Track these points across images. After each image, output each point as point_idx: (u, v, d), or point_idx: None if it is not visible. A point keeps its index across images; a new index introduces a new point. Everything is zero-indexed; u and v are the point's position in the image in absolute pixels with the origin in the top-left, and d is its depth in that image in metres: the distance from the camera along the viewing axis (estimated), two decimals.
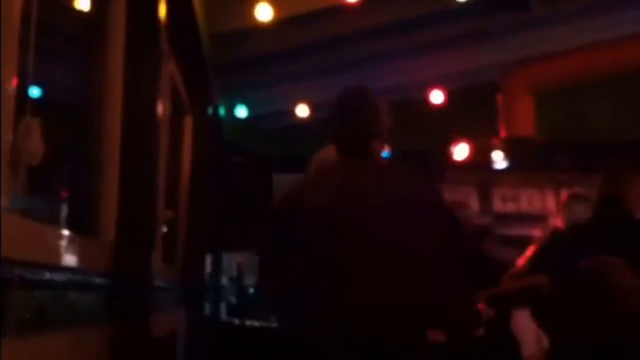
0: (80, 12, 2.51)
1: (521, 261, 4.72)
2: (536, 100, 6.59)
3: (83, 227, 2.27)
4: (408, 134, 6.91)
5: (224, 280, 6.88)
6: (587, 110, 6.92)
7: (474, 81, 6.70)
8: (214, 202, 4.94)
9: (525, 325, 5.91)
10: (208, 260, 5.80)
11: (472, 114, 6.64)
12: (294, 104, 6.41)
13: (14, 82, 1.53)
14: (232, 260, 7.14)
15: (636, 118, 6.72)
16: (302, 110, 6.43)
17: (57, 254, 1.82)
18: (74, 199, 2.43)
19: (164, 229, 3.80)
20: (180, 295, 4.21)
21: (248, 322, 5.84)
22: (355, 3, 4.60)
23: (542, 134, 6.58)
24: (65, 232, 1.95)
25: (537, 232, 5.37)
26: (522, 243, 5.15)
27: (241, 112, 6.34)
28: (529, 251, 4.73)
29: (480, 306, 4.82)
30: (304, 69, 5.97)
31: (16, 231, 1.47)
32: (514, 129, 6.61)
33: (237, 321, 6.03)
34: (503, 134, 6.61)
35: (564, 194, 5.04)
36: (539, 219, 6.85)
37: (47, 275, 1.65)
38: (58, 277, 1.74)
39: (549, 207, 7.13)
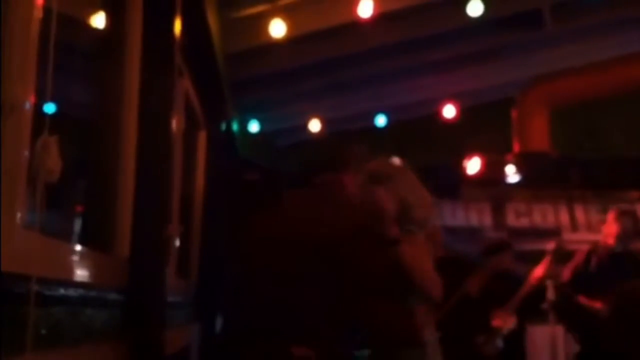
0: (97, 29, 2.53)
1: (567, 273, 4.71)
2: (551, 116, 6.58)
3: (97, 242, 2.28)
4: (421, 150, 6.92)
5: None
6: (602, 126, 6.90)
7: (488, 98, 6.70)
8: (228, 216, 4.95)
9: (540, 340, 5.88)
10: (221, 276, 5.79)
11: (486, 129, 6.63)
12: (307, 120, 6.42)
13: (31, 99, 1.54)
14: None
15: None
16: (314, 126, 6.45)
17: (73, 270, 1.83)
18: (89, 214, 2.44)
19: (178, 244, 3.80)
20: (194, 311, 4.21)
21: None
22: (369, 20, 4.62)
23: (556, 150, 6.56)
24: (81, 248, 1.96)
25: (550, 247, 5.35)
26: (535, 258, 5.13)
27: (253, 127, 6.36)
28: (576, 261, 4.72)
29: (496, 322, 4.80)
30: (317, 86, 5.98)
31: (33, 247, 1.47)
32: (528, 144, 6.59)
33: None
34: (517, 149, 6.59)
35: (611, 212, 5.06)
36: (552, 233, 6.82)
37: (63, 291, 1.65)
38: (73, 293, 1.75)
39: (563, 222, 7.10)
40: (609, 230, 4.85)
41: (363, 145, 3.14)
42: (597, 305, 4.52)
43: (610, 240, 4.82)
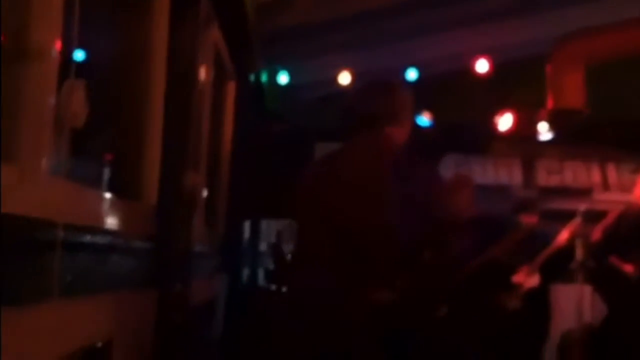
0: None
1: (597, 233, 4.66)
2: (587, 73, 6.42)
3: (125, 190, 2.29)
4: (452, 106, 6.82)
5: (262, 247, 6.92)
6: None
7: (522, 53, 6.56)
8: (255, 168, 4.95)
9: (566, 300, 5.84)
10: (247, 227, 5.82)
11: (519, 85, 6.51)
12: (336, 73, 6.35)
13: (57, 45, 1.52)
14: (271, 227, 7.16)
15: None
16: (345, 78, 6.37)
17: (100, 217, 1.84)
18: (117, 163, 2.44)
19: (205, 195, 3.81)
20: (221, 262, 4.24)
21: (285, 289, 5.86)
22: None
23: (591, 107, 6.43)
24: (108, 196, 1.96)
25: (581, 206, 5.27)
26: (565, 217, 5.06)
27: (282, 78, 6.30)
28: (607, 221, 4.66)
29: (518, 278, 4.77)
30: (347, 39, 5.89)
31: (59, 194, 1.47)
32: (562, 102, 6.46)
33: (274, 287, 6.06)
34: (550, 106, 6.47)
35: None
36: (583, 193, 6.73)
37: (90, 238, 1.66)
38: (100, 240, 1.76)
39: (595, 181, 7.00)
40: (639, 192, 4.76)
41: (409, 92, 2.95)
42: (628, 267, 4.46)
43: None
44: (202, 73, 2.71)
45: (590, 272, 4.77)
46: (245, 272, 5.79)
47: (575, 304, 6.12)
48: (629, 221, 4.69)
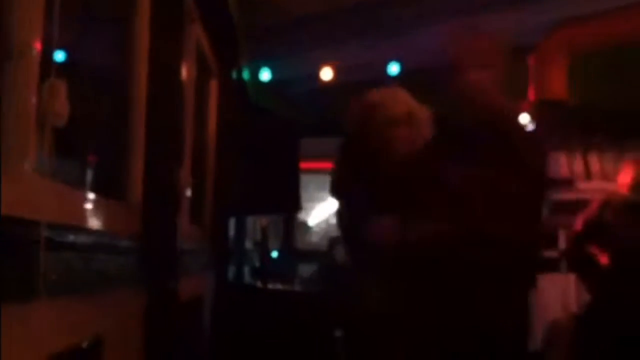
0: None
1: (579, 222, 4.70)
2: (571, 64, 6.45)
3: (110, 190, 2.28)
4: (436, 100, 6.84)
5: (248, 244, 6.93)
6: (627, 75, 6.75)
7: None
8: (240, 166, 4.95)
9: (550, 290, 5.89)
10: (232, 224, 5.83)
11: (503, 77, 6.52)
12: (319, 68, 6.36)
13: (38, 45, 1.52)
14: (256, 224, 7.18)
15: None
16: (326, 74, 6.39)
17: (84, 217, 1.84)
18: (101, 162, 2.44)
19: (190, 193, 3.81)
20: (208, 259, 4.24)
21: (271, 286, 5.88)
22: None
23: (575, 98, 6.46)
24: (92, 195, 1.96)
25: (566, 196, 5.32)
26: (548, 207, 5.11)
27: (265, 75, 6.31)
28: (589, 210, 4.69)
29: None
30: (328, 34, 5.91)
31: (43, 193, 1.47)
32: (545, 93, 6.49)
33: (260, 284, 6.08)
34: (532, 97, 6.50)
35: (627, 161, 5.01)
36: (566, 183, 6.78)
37: (74, 237, 1.66)
38: (85, 239, 1.76)
39: (577, 171, 7.05)
40: (624, 180, 4.80)
41: None
42: (604, 258, 4.50)
43: (625, 190, 4.78)
44: (185, 70, 2.71)
45: (572, 261, 4.83)
46: (232, 270, 5.80)
47: (560, 293, 6.19)
48: (612, 210, 4.73)
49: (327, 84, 6.36)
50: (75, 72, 2.10)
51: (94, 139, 2.50)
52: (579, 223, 4.73)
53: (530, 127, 6.57)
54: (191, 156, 3.73)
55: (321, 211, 8.90)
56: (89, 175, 2.47)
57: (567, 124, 6.71)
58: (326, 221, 8.76)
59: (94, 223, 1.90)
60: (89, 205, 1.89)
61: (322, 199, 8.56)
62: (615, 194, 4.85)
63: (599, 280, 4.57)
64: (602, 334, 4.35)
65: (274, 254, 7.17)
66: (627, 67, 6.73)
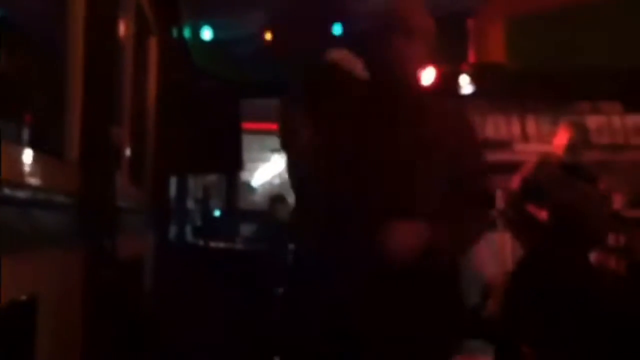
0: None
1: (515, 182, 4.82)
2: (510, 27, 6.55)
3: (47, 148, 2.26)
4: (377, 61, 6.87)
5: (190, 203, 6.92)
6: (567, 37, 6.87)
7: (443, 9, 6.63)
8: (181, 125, 4.92)
9: (487, 248, 6.07)
10: (173, 184, 5.81)
11: (441, 40, 6.60)
12: (261, 29, 6.32)
13: None
14: (198, 184, 7.17)
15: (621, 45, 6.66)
16: (269, 34, 6.36)
17: (20, 173, 1.82)
18: (37, 121, 2.41)
19: (130, 153, 3.78)
20: (149, 218, 4.24)
21: (213, 244, 5.91)
22: None
23: (514, 61, 6.58)
24: (28, 151, 1.94)
25: (503, 157, 5.44)
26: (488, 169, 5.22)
27: (206, 33, 6.24)
28: (525, 171, 4.82)
29: None
30: None
31: None
32: (483, 56, 6.60)
33: (202, 243, 6.09)
34: (472, 60, 6.60)
35: (562, 124, 5.16)
36: (504, 145, 6.95)
37: (10, 192, 1.65)
38: (20, 194, 1.75)
39: (515, 133, 7.22)
40: (559, 142, 4.95)
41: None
42: (543, 214, 4.66)
43: (560, 152, 4.93)
44: (123, 26, 2.68)
45: (509, 219, 4.98)
46: (174, 229, 5.79)
47: (497, 250, 6.37)
48: (546, 170, 4.88)
49: (268, 44, 6.33)
50: (9, 29, 2.06)
51: (31, 97, 2.46)
52: (515, 182, 4.87)
53: (469, 89, 6.69)
54: (131, 115, 3.70)
55: (265, 172, 8.92)
56: (26, 134, 2.43)
57: (505, 87, 6.85)
58: (270, 182, 8.79)
59: (30, 179, 1.89)
60: (24, 161, 1.88)
61: (265, 160, 8.58)
62: (551, 155, 5.00)
63: (534, 237, 4.73)
64: (534, 287, 4.52)
65: (217, 213, 7.17)
66: (565, 31, 6.88)
